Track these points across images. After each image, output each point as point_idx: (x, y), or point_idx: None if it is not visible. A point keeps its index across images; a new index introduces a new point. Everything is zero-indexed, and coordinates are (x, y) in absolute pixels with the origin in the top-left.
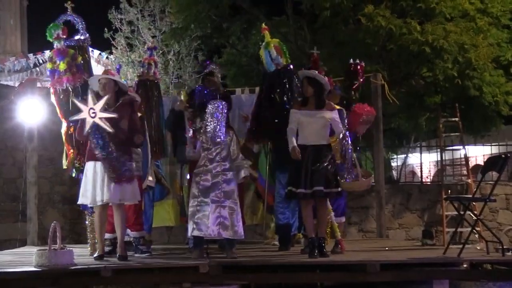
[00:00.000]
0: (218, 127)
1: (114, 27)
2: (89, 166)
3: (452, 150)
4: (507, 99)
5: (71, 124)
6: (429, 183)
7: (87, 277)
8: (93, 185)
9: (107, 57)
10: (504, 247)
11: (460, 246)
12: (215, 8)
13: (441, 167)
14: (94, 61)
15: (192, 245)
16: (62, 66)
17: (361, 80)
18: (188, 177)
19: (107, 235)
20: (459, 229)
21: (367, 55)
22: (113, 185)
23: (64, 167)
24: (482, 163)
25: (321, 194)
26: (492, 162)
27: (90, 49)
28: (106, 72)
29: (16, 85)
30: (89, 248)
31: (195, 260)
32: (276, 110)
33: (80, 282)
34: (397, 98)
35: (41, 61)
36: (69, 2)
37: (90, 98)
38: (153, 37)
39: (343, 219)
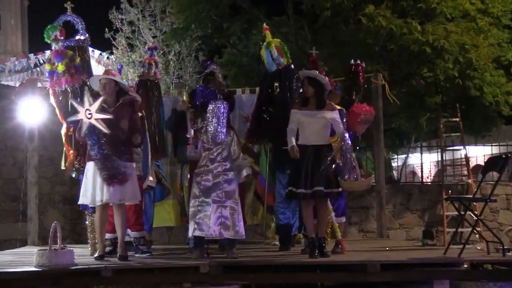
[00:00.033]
0: (219, 127)
1: (114, 27)
2: (90, 166)
3: (453, 150)
4: (508, 99)
5: (70, 125)
6: (429, 183)
7: (87, 277)
8: (93, 185)
9: (107, 57)
10: (505, 247)
11: (461, 246)
12: (215, 8)
13: (442, 167)
14: (95, 62)
15: (192, 245)
16: (60, 67)
17: (362, 81)
18: (186, 184)
19: (107, 235)
20: (460, 229)
21: (367, 55)
22: (112, 185)
23: (63, 167)
24: (482, 163)
25: (321, 194)
26: (493, 162)
27: (91, 49)
28: (106, 72)
29: (17, 85)
30: (89, 248)
31: (195, 260)
32: (277, 110)
33: (80, 282)
34: (397, 98)
35: (41, 61)
36: (68, 3)
37: (86, 98)
38: (153, 37)
39: (344, 219)
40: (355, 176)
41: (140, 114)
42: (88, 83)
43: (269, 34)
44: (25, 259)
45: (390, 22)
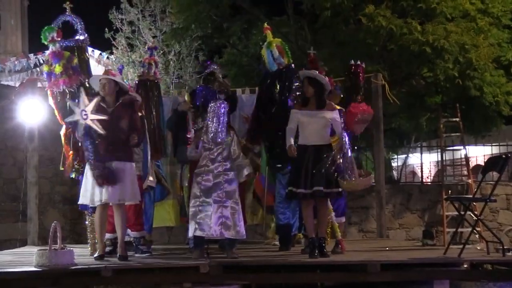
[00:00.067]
0: (220, 127)
1: (114, 27)
2: (89, 165)
3: (453, 150)
4: (508, 99)
5: (69, 125)
6: (429, 183)
7: (87, 277)
8: (93, 185)
9: (107, 57)
10: (505, 247)
11: (461, 246)
12: (215, 8)
13: (442, 167)
14: (95, 61)
15: (192, 245)
16: (58, 68)
17: (362, 81)
18: (186, 183)
19: (107, 235)
20: (460, 229)
21: (367, 55)
22: (112, 185)
23: (61, 168)
24: (482, 163)
25: (321, 194)
26: (493, 162)
27: (91, 49)
28: (106, 72)
29: (17, 85)
30: (89, 248)
31: (195, 260)
32: (277, 110)
33: (80, 282)
34: (397, 98)
35: (41, 61)
36: (67, 3)
37: (81, 99)
38: (153, 37)
39: (343, 219)
40: (354, 176)
41: (140, 114)
42: (86, 83)
43: (270, 34)
44: (25, 259)
45: (390, 22)
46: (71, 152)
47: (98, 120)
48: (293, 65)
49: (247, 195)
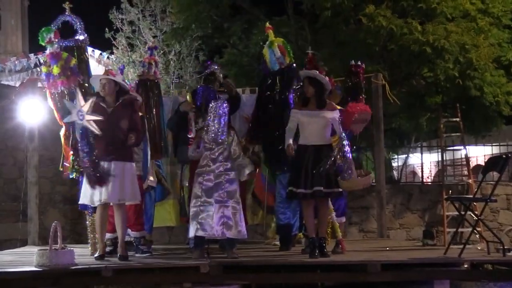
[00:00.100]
0: (220, 127)
1: (115, 27)
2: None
3: (453, 150)
4: (508, 99)
5: (69, 126)
6: (430, 183)
7: (88, 277)
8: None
9: (108, 57)
10: (505, 247)
11: (461, 246)
12: (215, 8)
13: (442, 167)
14: (95, 61)
15: (192, 245)
16: (55, 70)
17: (362, 82)
18: (187, 183)
19: (107, 235)
20: (460, 229)
21: (368, 55)
22: (112, 185)
23: (60, 169)
24: (483, 163)
25: (321, 194)
26: (493, 162)
27: (91, 49)
28: (106, 72)
29: (17, 85)
30: (89, 248)
31: (195, 260)
32: (277, 109)
33: (80, 282)
34: (398, 98)
35: (42, 61)
36: (67, 3)
37: (77, 100)
38: (154, 37)
39: (344, 219)
40: (353, 175)
41: (140, 114)
42: (86, 84)
43: (272, 33)
44: (25, 259)
45: (391, 22)
46: (71, 152)
47: (95, 121)
48: (294, 64)
49: (248, 195)
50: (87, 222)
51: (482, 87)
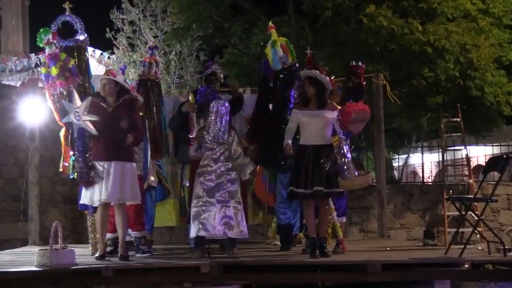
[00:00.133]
0: (222, 127)
1: (115, 27)
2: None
3: (454, 150)
4: (509, 99)
5: (69, 127)
6: (430, 183)
7: (88, 277)
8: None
9: (108, 57)
10: (506, 247)
11: (462, 246)
12: (216, 8)
13: (443, 167)
14: (96, 61)
15: (193, 245)
16: (54, 71)
17: (363, 82)
18: (187, 184)
19: (108, 235)
20: (461, 230)
21: (368, 55)
22: (112, 185)
23: (60, 169)
24: (483, 164)
25: (321, 194)
26: (494, 162)
27: (92, 49)
28: (107, 72)
29: (18, 85)
30: (90, 248)
31: (196, 260)
32: (277, 109)
33: (81, 282)
34: (398, 98)
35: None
36: (67, 3)
37: (74, 100)
38: (154, 37)
39: (344, 219)
40: (351, 174)
41: (141, 114)
42: (86, 84)
43: (274, 33)
44: (25, 258)
45: (391, 22)
46: (71, 153)
47: (92, 121)
48: (297, 64)
49: (248, 195)
50: (88, 222)
51: (483, 87)
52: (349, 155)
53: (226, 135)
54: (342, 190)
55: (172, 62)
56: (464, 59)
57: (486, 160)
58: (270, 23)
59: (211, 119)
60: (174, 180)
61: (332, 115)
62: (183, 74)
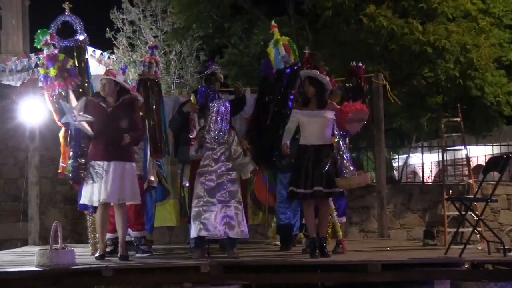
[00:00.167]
0: (223, 127)
1: (116, 27)
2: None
3: (454, 150)
4: (509, 99)
5: (68, 127)
6: (430, 183)
7: (88, 277)
8: (92, 185)
9: (108, 57)
10: (506, 247)
11: (462, 246)
12: (216, 8)
13: (443, 167)
14: (96, 61)
15: (193, 245)
16: (52, 72)
17: (363, 83)
18: (187, 183)
19: (108, 235)
20: (461, 230)
21: (368, 55)
22: (111, 185)
23: (60, 170)
24: (483, 163)
25: (321, 194)
26: (494, 162)
27: (92, 49)
28: (107, 72)
29: (18, 85)
30: (90, 248)
31: (196, 260)
32: (278, 108)
33: (81, 282)
34: (398, 98)
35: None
36: (67, 3)
37: (70, 101)
38: (155, 37)
39: (344, 219)
40: (348, 173)
41: (141, 114)
42: (85, 84)
43: (277, 32)
44: (25, 258)
45: (391, 22)
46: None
47: (86, 122)
48: (299, 64)
49: (248, 195)
50: (88, 222)
51: (483, 87)
52: (347, 154)
53: (227, 135)
54: (342, 190)
55: (172, 62)
56: (464, 59)
57: (486, 160)
58: (273, 22)
59: (212, 119)
60: (174, 180)
61: (332, 115)
62: (183, 74)
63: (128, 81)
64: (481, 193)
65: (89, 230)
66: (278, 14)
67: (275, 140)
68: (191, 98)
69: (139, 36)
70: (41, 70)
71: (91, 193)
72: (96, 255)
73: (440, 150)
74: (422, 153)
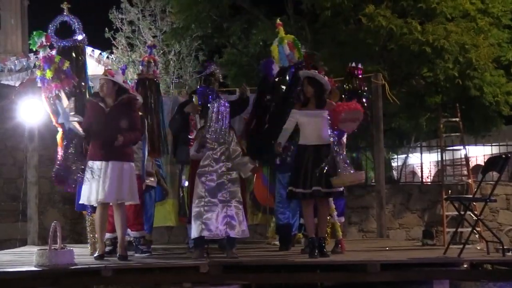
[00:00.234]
0: (223, 126)
1: (115, 27)
2: (89, 165)
3: (453, 150)
4: (508, 99)
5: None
6: (429, 183)
7: (87, 277)
8: (90, 184)
9: (107, 57)
10: (505, 247)
11: (461, 246)
12: (215, 8)
13: (442, 167)
14: (95, 61)
15: (192, 245)
16: (48, 73)
17: (361, 84)
18: (186, 184)
19: (107, 235)
20: (460, 229)
21: (368, 55)
22: (109, 185)
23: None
24: (482, 163)
25: (320, 194)
26: (493, 162)
27: (91, 49)
28: (105, 72)
29: (17, 84)
30: (89, 248)
31: (195, 260)
32: (278, 109)
33: (80, 282)
34: (397, 98)
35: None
36: (65, 3)
37: (62, 101)
38: (154, 37)
39: (343, 219)
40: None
41: (140, 114)
42: (83, 83)
43: (282, 30)
44: (24, 258)
45: (390, 22)
46: None
47: (77, 122)
48: (304, 62)
49: (247, 195)
50: (87, 222)
51: (482, 87)
52: (341, 153)
53: (227, 135)
54: (342, 190)
55: (171, 62)
56: (463, 59)
57: (485, 160)
58: (278, 20)
59: (212, 118)
60: (173, 180)
61: None
62: (182, 74)
63: (128, 81)
64: (480, 193)
65: (88, 230)
66: (277, 14)
67: (270, 137)
68: (193, 99)
69: (138, 36)
70: (38, 72)
71: (89, 193)
72: (95, 255)
73: (439, 150)
74: (421, 153)
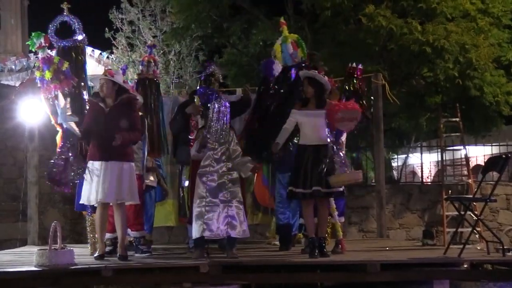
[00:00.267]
0: (223, 126)
1: (115, 27)
2: (88, 165)
3: (453, 150)
4: (508, 99)
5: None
6: (429, 183)
7: (87, 277)
8: (90, 184)
9: (107, 57)
10: (505, 247)
11: (461, 246)
12: (215, 8)
13: (442, 167)
14: (95, 61)
15: (192, 245)
16: (48, 74)
17: (360, 84)
18: (186, 184)
19: (107, 235)
20: (460, 229)
21: (368, 55)
22: (108, 185)
23: None
24: (482, 163)
25: (320, 194)
26: (493, 162)
27: (91, 49)
28: (105, 72)
29: (17, 84)
30: (89, 248)
31: (195, 260)
32: (278, 109)
33: (80, 282)
34: (397, 98)
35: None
36: (65, 3)
37: (59, 101)
38: (154, 37)
39: (343, 219)
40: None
41: (140, 114)
42: (82, 83)
43: (285, 29)
44: (25, 258)
45: (390, 22)
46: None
47: (74, 122)
48: (307, 62)
49: (247, 195)
50: (87, 222)
51: (482, 87)
52: (339, 152)
53: (227, 135)
54: (342, 190)
55: (171, 62)
56: (463, 59)
57: (485, 160)
58: (282, 19)
59: (213, 118)
60: (173, 180)
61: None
62: (182, 74)
63: (128, 81)
64: (480, 193)
65: (88, 230)
66: (277, 14)
67: (270, 137)
68: (195, 100)
69: (138, 36)
70: (37, 73)
71: (89, 193)
72: (95, 255)
73: (439, 150)
74: (421, 153)
